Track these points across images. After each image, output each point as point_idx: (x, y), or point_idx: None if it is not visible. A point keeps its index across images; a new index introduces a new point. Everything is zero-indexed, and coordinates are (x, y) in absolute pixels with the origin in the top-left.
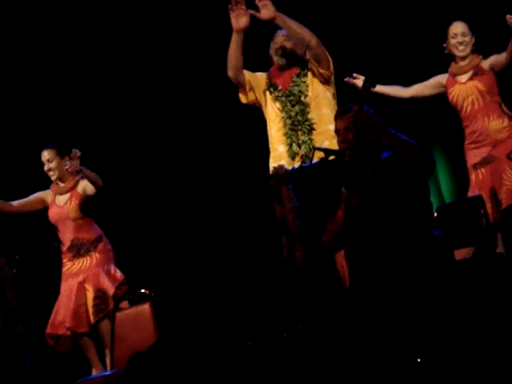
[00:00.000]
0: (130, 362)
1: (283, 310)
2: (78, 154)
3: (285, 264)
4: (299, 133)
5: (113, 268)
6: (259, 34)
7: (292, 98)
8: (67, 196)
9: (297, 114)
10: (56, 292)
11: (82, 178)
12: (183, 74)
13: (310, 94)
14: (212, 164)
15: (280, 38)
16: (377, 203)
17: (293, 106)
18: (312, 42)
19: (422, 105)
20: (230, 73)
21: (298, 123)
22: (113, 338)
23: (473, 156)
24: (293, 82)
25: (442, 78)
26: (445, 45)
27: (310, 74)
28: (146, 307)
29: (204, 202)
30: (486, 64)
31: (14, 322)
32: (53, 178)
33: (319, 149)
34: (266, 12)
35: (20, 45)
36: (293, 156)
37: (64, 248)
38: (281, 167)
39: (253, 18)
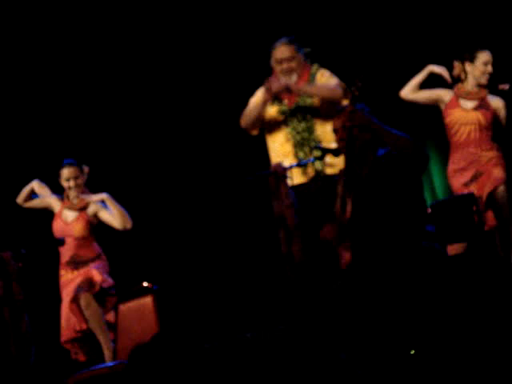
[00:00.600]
0: (132, 353)
1: (281, 303)
2: (86, 170)
3: (283, 258)
4: (306, 149)
5: (106, 275)
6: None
7: (298, 113)
8: (75, 214)
9: (304, 130)
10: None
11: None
12: (183, 72)
13: (316, 110)
14: (211, 161)
15: (284, 55)
16: (372, 199)
17: (299, 121)
18: (337, 96)
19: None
20: (246, 126)
21: (305, 140)
22: (116, 330)
23: (461, 176)
24: (300, 97)
25: (445, 96)
26: (459, 64)
27: None
28: (148, 300)
29: (204, 198)
30: (493, 101)
31: (19, 315)
32: (73, 195)
33: (316, 147)
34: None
35: (23, 50)
36: (304, 169)
37: (63, 260)
38: (279, 165)
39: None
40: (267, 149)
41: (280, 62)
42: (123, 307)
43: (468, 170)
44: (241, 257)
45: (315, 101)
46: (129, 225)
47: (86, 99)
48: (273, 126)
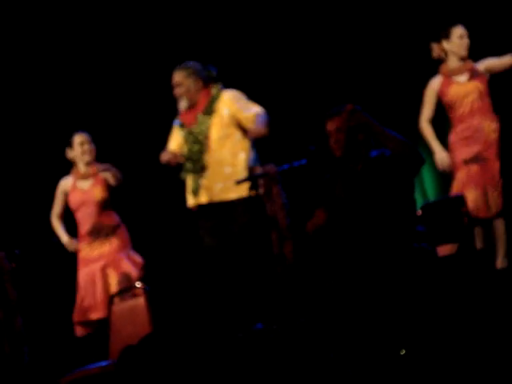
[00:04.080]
0: (123, 353)
1: (273, 303)
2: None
3: (275, 259)
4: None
5: (132, 253)
6: None
7: (191, 136)
8: (91, 181)
9: (195, 152)
10: (53, 285)
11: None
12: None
13: (213, 135)
14: None
15: (174, 80)
16: (363, 198)
17: (193, 144)
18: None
19: (407, 103)
20: None
21: (195, 161)
22: (109, 331)
23: (464, 152)
24: (197, 119)
25: (434, 84)
26: (436, 45)
27: (220, 114)
28: (141, 300)
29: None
30: (481, 67)
31: (13, 315)
32: (87, 160)
33: (309, 148)
34: None
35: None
36: (195, 192)
37: (83, 231)
38: (271, 167)
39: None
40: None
41: (172, 87)
42: (116, 308)
43: (472, 144)
44: (233, 258)
45: (209, 124)
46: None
47: (82, 100)
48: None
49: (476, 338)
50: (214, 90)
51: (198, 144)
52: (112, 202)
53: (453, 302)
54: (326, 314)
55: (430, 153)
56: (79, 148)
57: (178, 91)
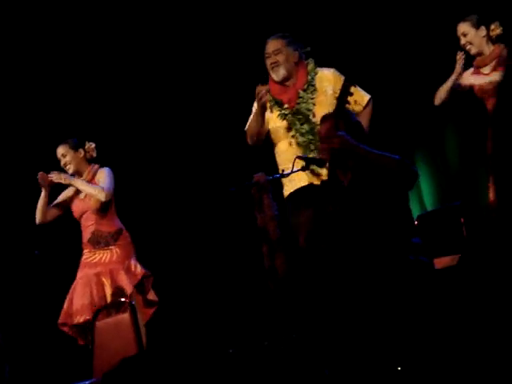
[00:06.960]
0: (109, 370)
1: (264, 318)
2: (93, 145)
3: (265, 272)
4: (313, 151)
5: (133, 263)
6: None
7: (300, 116)
8: None
9: (307, 132)
10: (36, 300)
11: (100, 167)
12: (173, 85)
13: (319, 114)
14: (194, 172)
15: (271, 49)
16: (356, 211)
17: (302, 124)
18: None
19: (404, 112)
20: (252, 143)
21: (311, 141)
22: (93, 346)
23: None
24: (300, 98)
25: (465, 73)
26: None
27: (324, 92)
28: (126, 316)
29: (186, 210)
30: None
31: None
32: (70, 172)
33: (300, 157)
34: None
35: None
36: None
37: (84, 239)
38: (262, 176)
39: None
40: (275, 157)
41: (268, 56)
42: (100, 324)
43: None
44: (222, 270)
45: (315, 102)
46: (103, 197)
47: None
48: (277, 131)
49: (473, 351)
50: (309, 66)
51: (308, 123)
52: (116, 206)
53: (450, 316)
54: (319, 328)
55: (427, 160)
56: (60, 164)
57: (276, 59)
